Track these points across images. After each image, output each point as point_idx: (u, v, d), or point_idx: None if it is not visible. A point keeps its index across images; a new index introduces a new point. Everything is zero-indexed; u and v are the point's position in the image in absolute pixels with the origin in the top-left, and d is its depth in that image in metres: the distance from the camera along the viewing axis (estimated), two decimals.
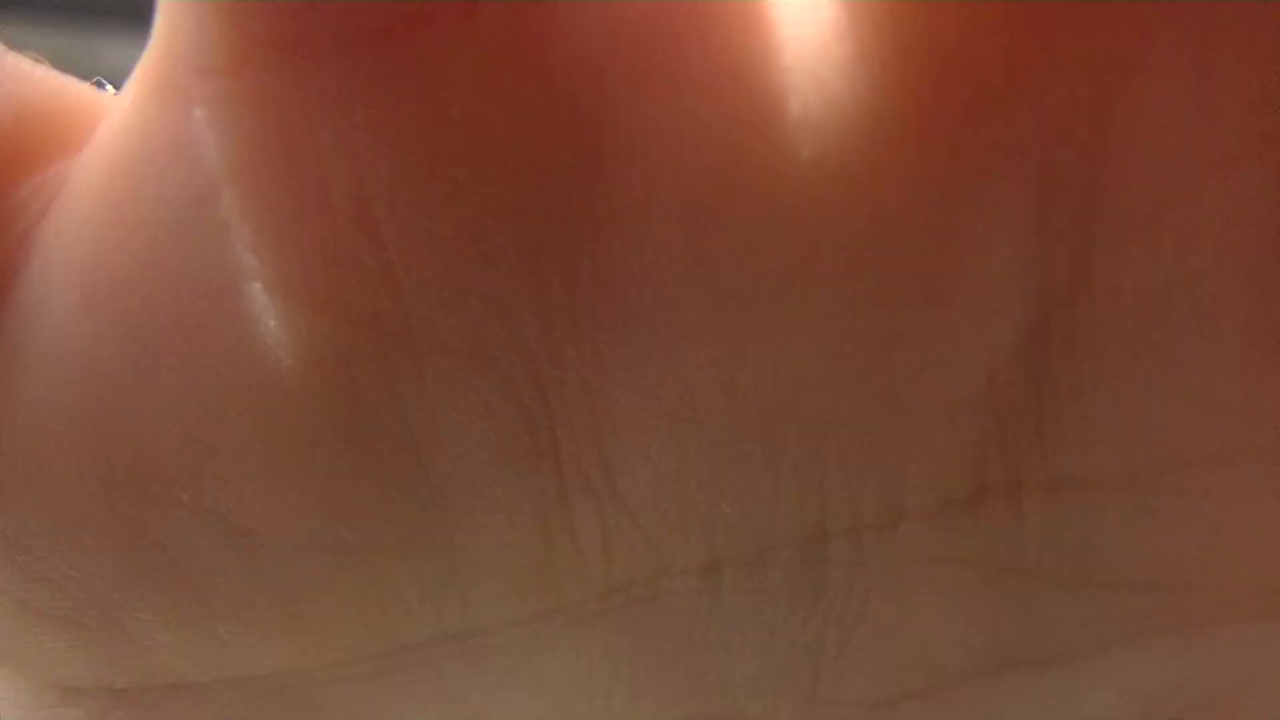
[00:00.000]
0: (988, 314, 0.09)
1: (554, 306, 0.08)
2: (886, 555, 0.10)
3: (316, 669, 0.10)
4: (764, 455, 0.09)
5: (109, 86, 0.10)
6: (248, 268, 0.08)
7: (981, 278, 0.08)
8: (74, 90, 0.09)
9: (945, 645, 0.10)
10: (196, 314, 0.08)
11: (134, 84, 0.08)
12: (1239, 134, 0.08)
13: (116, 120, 0.08)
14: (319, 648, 0.10)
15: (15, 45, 0.09)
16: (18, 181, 0.09)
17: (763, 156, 0.08)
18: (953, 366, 0.09)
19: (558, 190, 0.08)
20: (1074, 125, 0.08)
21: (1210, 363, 0.09)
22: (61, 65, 0.09)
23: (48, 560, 0.09)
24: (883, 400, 0.09)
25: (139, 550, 0.09)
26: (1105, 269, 0.08)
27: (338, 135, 0.08)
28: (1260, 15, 0.08)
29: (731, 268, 0.08)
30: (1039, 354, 0.09)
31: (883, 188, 0.08)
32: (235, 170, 0.08)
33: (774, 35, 0.08)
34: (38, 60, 0.09)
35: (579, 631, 0.10)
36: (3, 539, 0.09)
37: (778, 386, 0.09)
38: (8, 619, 0.10)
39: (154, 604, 0.09)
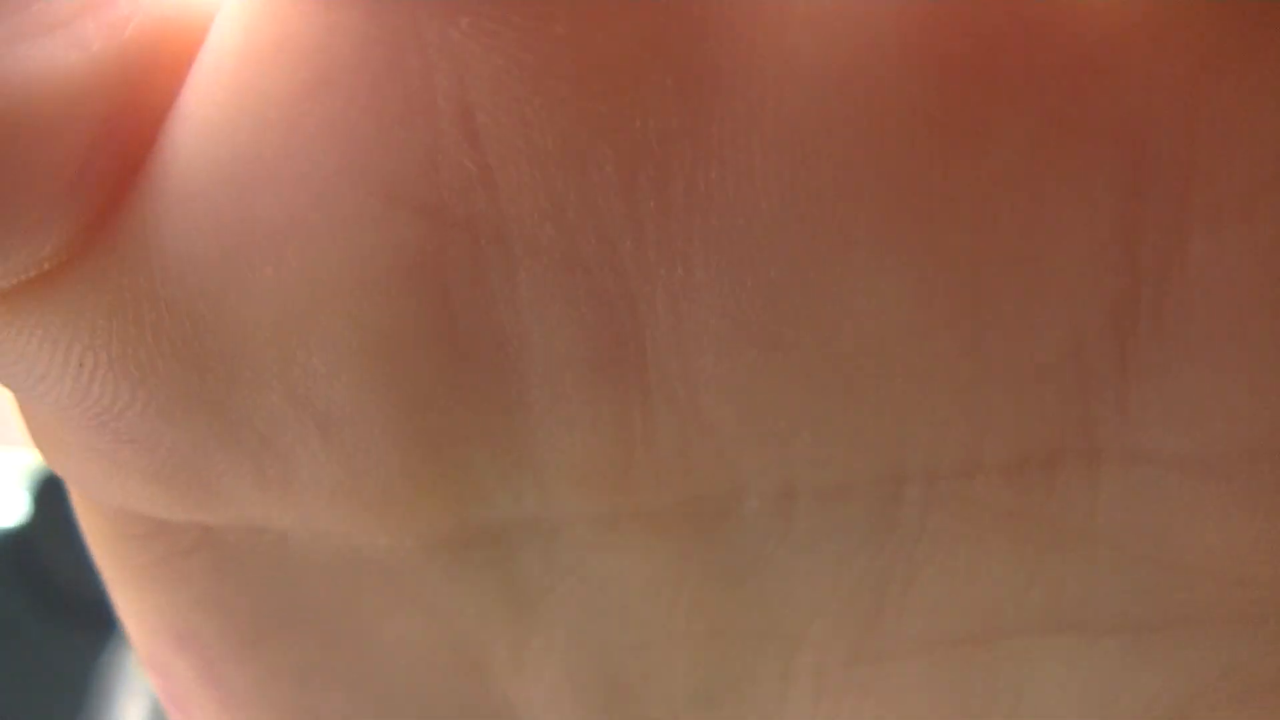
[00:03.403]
0: (1078, 280, 0.09)
1: (648, 225, 0.09)
2: (960, 504, 0.10)
3: (391, 542, 0.10)
4: (847, 392, 0.09)
5: None
6: (347, 167, 0.08)
7: (1074, 243, 0.08)
8: None
9: (1006, 597, 0.10)
10: (292, 211, 0.09)
11: None
12: None
13: (228, 17, 0.09)
14: (396, 524, 0.10)
15: None
16: (140, 86, 0.09)
17: (866, 96, 0.08)
18: (1040, 328, 0.09)
19: (658, 112, 0.08)
20: (1173, 102, 0.08)
21: None
22: None
23: (138, 428, 0.10)
24: (968, 354, 0.09)
25: (228, 424, 0.10)
26: (1200, 248, 0.08)
27: (444, 40, 0.08)
28: None
29: (828, 203, 0.08)
30: (1127, 326, 0.09)
31: (984, 143, 0.08)
32: (340, 69, 0.08)
33: None
34: None
35: (652, 535, 0.10)
36: (96, 407, 0.09)
37: (865, 327, 0.09)
38: (96, 468, 0.10)
39: (239, 469, 0.10)
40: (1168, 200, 0.08)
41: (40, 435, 0.10)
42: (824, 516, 0.10)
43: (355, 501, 0.10)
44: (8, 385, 0.10)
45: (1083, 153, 0.08)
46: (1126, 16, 0.08)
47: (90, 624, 0.41)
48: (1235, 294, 0.08)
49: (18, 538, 0.44)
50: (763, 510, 0.10)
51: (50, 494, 0.46)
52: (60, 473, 0.10)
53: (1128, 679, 0.10)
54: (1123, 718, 0.10)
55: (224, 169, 0.09)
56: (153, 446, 0.10)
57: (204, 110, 0.09)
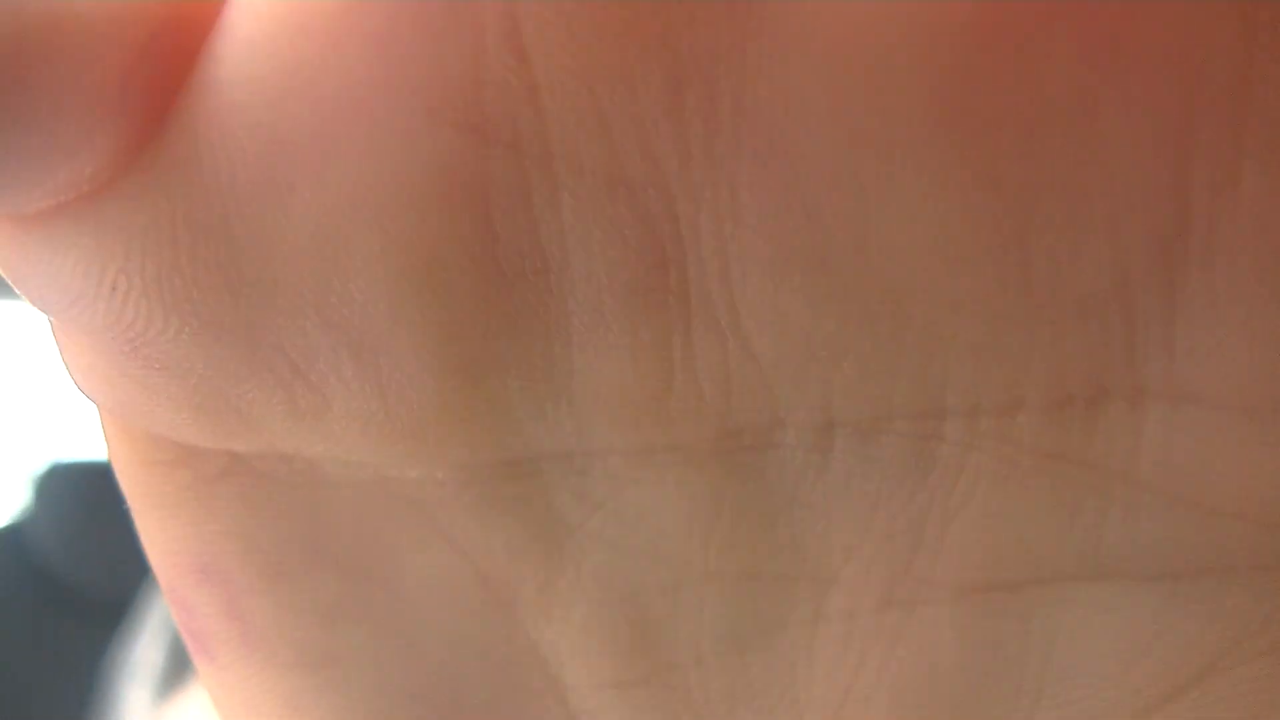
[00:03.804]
0: (1126, 211, 0.09)
1: (694, 144, 0.09)
2: (1002, 442, 0.10)
3: (422, 474, 0.10)
4: (890, 322, 0.09)
5: None
6: (390, 82, 0.08)
7: (1123, 173, 0.08)
8: None
9: (1045, 543, 0.10)
10: (333, 128, 0.09)
11: None
12: None
13: None
14: (429, 456, 0.10)
15: None
16: (183, 2, 0.09)
17: (917, 24, 0.08)
18: (1086, 260, 0.09)
19: (706, 29, 0.08)
20: (1229, 35, 0.08)
21: None
22: None
23: (170, 353, 0.10)
24: (1013, 285, 0.09)
25: (261, 352, 0.09)
26: (1252, 186, 0.08)
27: None
28: None
29: (875, 126, 0.08)
30: (1176, 262, 0.09)
31: (1034, 70, 0.08)
32: None
33: None
34: None
35: (687, 470, 0.10)
36: (129, 331, 0.09)
37: (910, 253, 0.09)
38: (126, 393, 0.10)
39: (271, 397, 0.10)
40: (1221, 136, 0.08)
41: (72, 359, 0.10)
42: (862, 453, 0.10)
43: (388, 432, 0.10)
44: (42, 308, 0.10)
45: (1135, 80, 0.08)
46: None
47: (91, 616, 0.41)
48: None
49: (18, 531, 0.44)
50: (800, 444, 0.10)
51: (51, 487, 0.46)
52: (90, 397, 0.10)
53: (1163, 627, 0.10)
54: (1156, 667, 0.10)
55: (265, 85, 0.09)
56: (184, 373, 0.10)
57: (246, 25, 0.09)
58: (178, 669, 0.36)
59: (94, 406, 0.11)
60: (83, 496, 0.44)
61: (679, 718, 0.11)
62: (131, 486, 0.11)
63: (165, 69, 0.09)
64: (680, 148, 0.09)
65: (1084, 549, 0.10)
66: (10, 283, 0.10)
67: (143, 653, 0.37)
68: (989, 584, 0.10)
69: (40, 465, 0.48)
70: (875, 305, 0.09)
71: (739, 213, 0.09)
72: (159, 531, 0.11)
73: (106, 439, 0.11)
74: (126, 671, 0.38)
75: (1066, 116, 0.08)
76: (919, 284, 0.09)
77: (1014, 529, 0.10)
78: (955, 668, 0.11)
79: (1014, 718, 0.11)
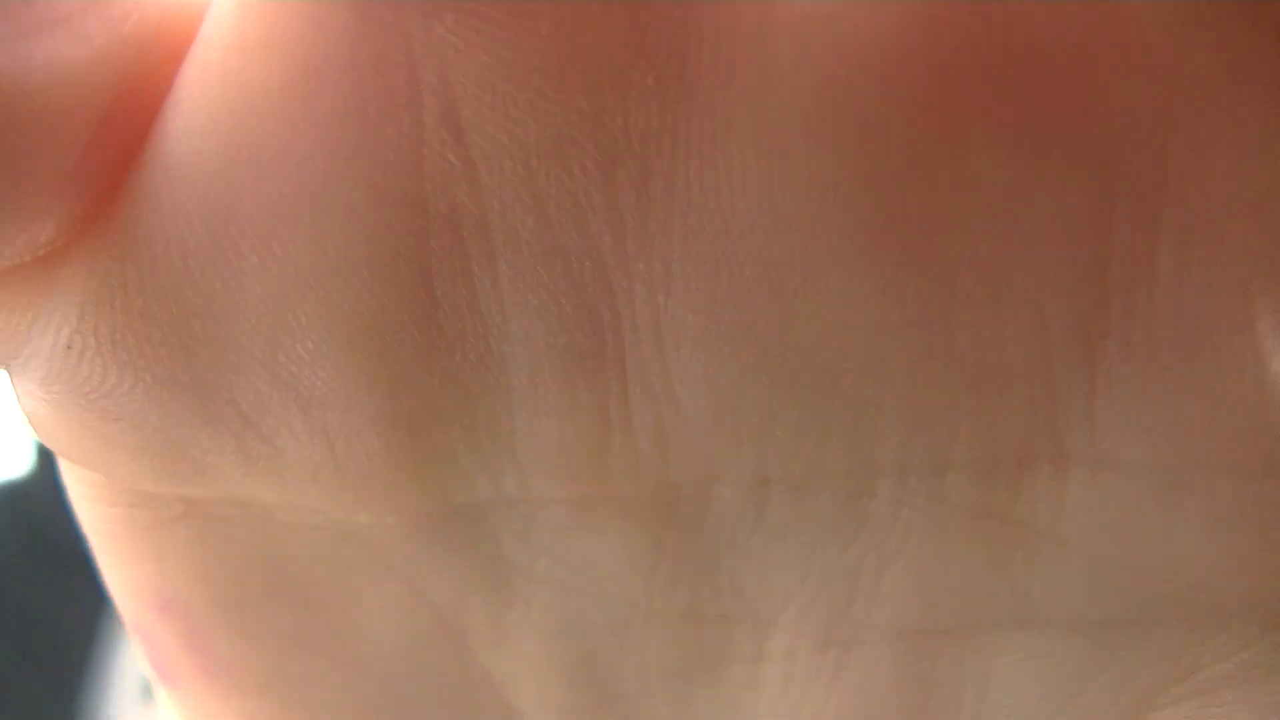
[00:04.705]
0: (1048, 289, 0.09)
1: (628, 220, 0.09)
2: (932, 500, 0.10)
3: (372, 520, 0.11)
4: (820, 389, 0.09)
5: None
6: (332, 159, 0.09)
7: (1045, 253, 0.09)
8: None
9: (975, 592, 0.10)
10: (278, 200, 0.09)
11: None
12: None
13: (220, 12, 0.09)
14: (378, 503, 0.11)
15: None
16: (138, 79, 0.09)
17: (843, 101, 0.08)
18: (1009, 334, 0.09)
19: (638, 110, 0.08)
20: (1147, 122, 0.08)
21: (1261, 376, 0.09)
22: None
23: (125, 406, 0.10)
24: (939, 356, 0.09)
25: (214, 405, 0.10)
26: (1169, 265, 0.08)
27: (429, 35, 0.08)
28: None
29: (804, 203, 0.09)
30: (1095, 338, 0.09)
31: (959, 151, 0.08)
32: (327, 64, 0.08)
33: None
34: None
35: (628, 520, 0.11)
36: (84, 385, 0.10)
37: (837, 327, 0.09)
38: (84, 441, 0.10)
39: (224, 447, 0.10)
40: (1139, 217, 0.08)
41: (30, 408, 0.11)
42: (796, 507, 0.10)
43: (337, 481, 0.10)
44: (2, 363, 0.10)
45: (1056, 166, 0.08)
46: (1103, 35, 0.08)
47: (92, 575, 0.41)
48: (1202, 312, 0.09)
49: (22, 489, 0.44)
50: (736, 498, 0.10)
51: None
52: (49, 444, 0.11)
53: (1092, 674, 0.11)
54: (1087, 712, 0.11)
55: (213, 159, 0.09)
56: (139, 424, 0.10)
57: (195, 102, 0.09)
58: None
59: None
60: None
61: None
62: (91, 525, 0.11)
63: (120, 142, 0.09)
64: (614, 222, 0.09)
65: (1013, 599, 0.10)
66: None
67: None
68: (923, 628, 0.11)
69: None
70: (804, 374, 0.09)
71: (670, 285, 0.09)
72: (120, 569, 0.12)
73: (67, 482, 0.11)
74: (125, 631, 0.38)
75: (988, 198, 0.08)
76: (847, 355, 0.09)
77: (946, 578, 0.10)
78: (894, 707, 0.11)
79: None
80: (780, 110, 0.08)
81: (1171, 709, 0.10)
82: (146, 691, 0.38)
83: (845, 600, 0.11)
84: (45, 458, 0.45)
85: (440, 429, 0.10)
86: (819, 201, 0.09)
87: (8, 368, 0.10)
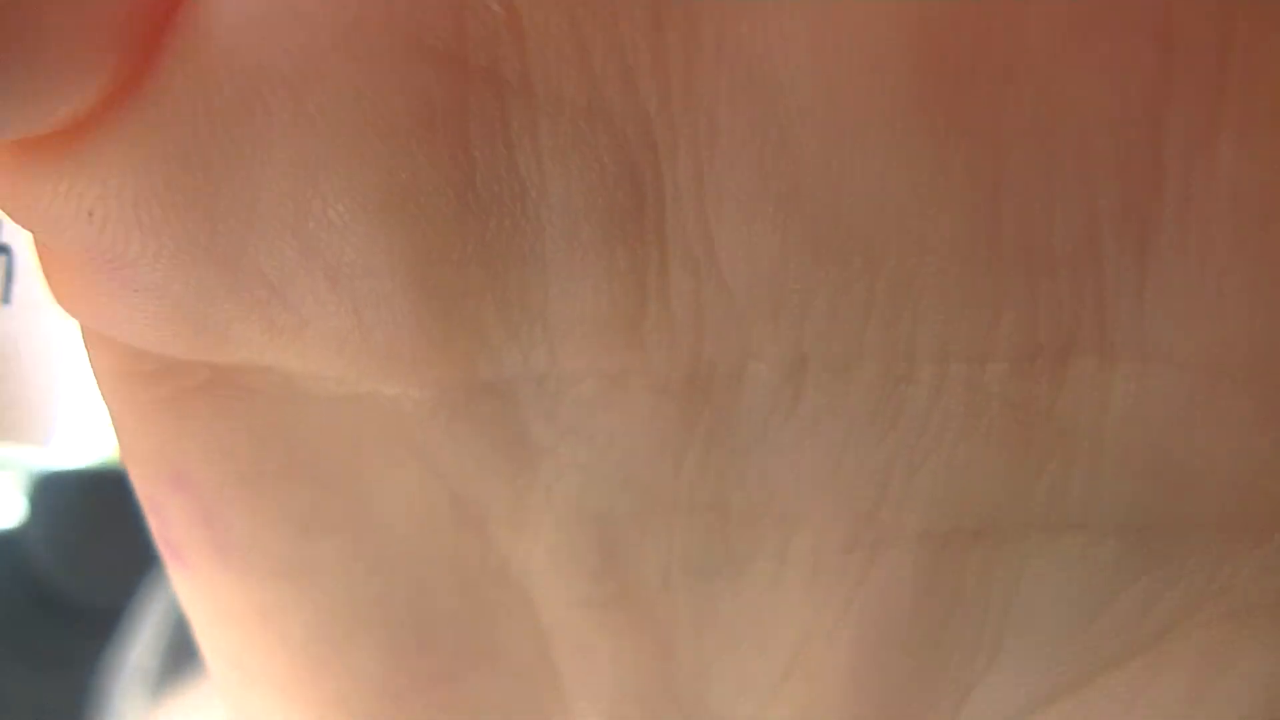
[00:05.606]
0: (1099, 170, 0.09)
1: (674, 75, 0.09)
2: (970, 390, 0.10)
3: (397, 393, 0.11)
4: (863, 261, 0.09)
5: None
6: (371, 10, 0.08)
7: (1097, 133, 0.08)
8: None
9: (1009, 492, 0.10)
10: (311, 56, 0.09)
11: None
12: None
13: None
14: (404, 375, 0.10)
15: None
16: None
17: None
18: (1058, 213, 0.09)
19: None
20: (1207, 2, 0.08)
21: None
22: None
23: (148, 275, 0.10)
24: (985, 234, 0.09)
25: (239, 274, 0.10)
26: (1229, 155, 0.08)
27: None
28: None
29: (853, 66, 0.08)
30: (1149, 222, 0.09)
31: (1009, 24, 0.08)
32: None
33: None
34: None
35: (660, 398, 0.10)
36: (108, 254, 0.09)
37: (882, 193, 0.09)
38: (107, 310, 0.10)
39: (249, 317, 0.10)
40: (1198, 100, 0.08)
41: (54, 278, 0.10)
42: (833, 391, 0.10)
43: (364, 353, 0.10)
44: (25, 226, 0.10)
45: (1111, 39, 0.08)
46: None
47: (85, 625, 0.41)
48: (1261, 202, 0.08)
49: (13, 539, 0.44)
50: (771, 379, 0.10)
51: (45, 496, 0.46)
52: (70, 311, 0.10)
53: (1123, 583, 0.10)
54: (1114, 625, 0.10)
55: (248, 12, 0.09)
56: (162, 293, 0.10)
57: None
58: (172, 675, 0.36)
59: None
60: (78, 504, 0.44)
61: (646, 639, 0.12)
62: (111, 396, 0.11)
63: (157, 4, 0.09)
64: (660, 78, 0.09)
65: (1047, 500, 0.10)
66: None
67: (137, 659, 0.37)
68: (952, 531, 0.10)
69: (35, 475, 0.48)
70: (847, 244, 0.09)
71: (717, 144, 0.09)
72: (137, 441, 0.11)
73: (87, 349, 0.11)
74: (121, 677, 0.38)
75: (1040, 71, 0.08)
76: (891, 225, 0.09)
77: (979, 478, 0.10)
78: (917, 612, 0.11)
79: (973, 668, 0.11)
80: None
81: (1201, 631, 0.10)
82: None
83: (875, 499, 0.10)
84: (37, 509, 0.44)
85: (472, 299, 0.10)
86: (870, 63, 0.08)
87: (34, 234, 0.10)
